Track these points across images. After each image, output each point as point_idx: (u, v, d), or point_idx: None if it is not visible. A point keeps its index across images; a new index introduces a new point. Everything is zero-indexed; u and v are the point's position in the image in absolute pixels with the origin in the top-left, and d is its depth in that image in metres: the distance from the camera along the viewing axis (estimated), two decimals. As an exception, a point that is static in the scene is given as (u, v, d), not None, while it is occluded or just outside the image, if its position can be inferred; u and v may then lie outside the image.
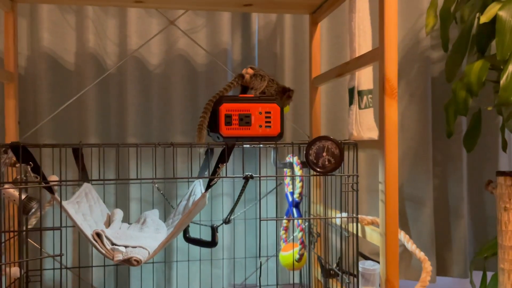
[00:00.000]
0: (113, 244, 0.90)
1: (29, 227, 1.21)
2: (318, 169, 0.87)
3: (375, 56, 0.91)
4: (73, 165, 1.34)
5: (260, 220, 0.85)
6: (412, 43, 1.57)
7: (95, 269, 1.34)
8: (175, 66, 1.45)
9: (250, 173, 0.89)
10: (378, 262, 1.29)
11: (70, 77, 1.41)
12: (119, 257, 0.86)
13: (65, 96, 1.39)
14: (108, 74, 1.41)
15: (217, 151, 1.06)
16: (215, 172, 0.89)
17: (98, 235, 0.89)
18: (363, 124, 1.06)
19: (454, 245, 1.58)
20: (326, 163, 0.88)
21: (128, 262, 0.86)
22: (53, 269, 1.24)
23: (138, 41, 1.42)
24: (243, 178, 0.90)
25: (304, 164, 0.93)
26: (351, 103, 1.10)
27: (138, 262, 0.86)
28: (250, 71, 1.06)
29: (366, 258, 1.27)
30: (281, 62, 1.50)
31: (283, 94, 1.10)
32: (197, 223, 1.15)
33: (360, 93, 1.07)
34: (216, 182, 0.91)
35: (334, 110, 1.52)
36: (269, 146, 0.90)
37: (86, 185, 1.12)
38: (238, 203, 0.99)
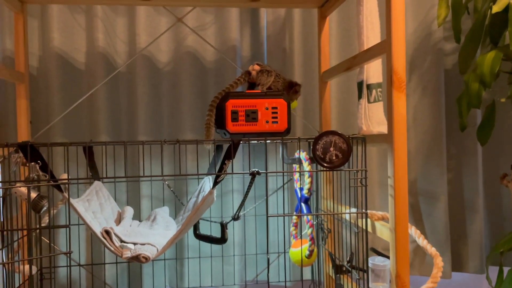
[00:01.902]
0: (122, 241, 0.91)
1: (42, 225, 1.23)
2: (326, 164, 0.86)
3: (383, 48, 0.89)
4: (85, 163, 1.36)
5: (267, 217, 0.84)
6: (424, 35, 1.54)
7: (108, 266, 1.35)
8: (184, 63, 1.45)
9: (256, 169, 0.89)
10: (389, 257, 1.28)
11: (81, 76, 1.42)
12: (127, 254, 0.86)
13: (76, 95, 1.41)
14: (118, 72, 1.41)
15: (226, 147, 1.06)
16: (221, 169, 0.89)
17: (107, 232, 0.90)
18: (372, 118, 1.05)
19: (470, 240, 1.55)
20: (334, 158, 0.87)
21: (137, 259, 0.86)
22: (67, 266, 1.26)
23: (147, 39, 1.42)
24: (249, 175, 0.90)
25: (313, 160, 0.92)
26: (360, 97, 1.08)
27: (146, 259, 0.87)
28: (257, 67, 1.05)
29: (379, 253, 1.26)
30: (290, 57, 1.49)
31: (290, 89, 1.09)
32: (207, 220, 1.15)
33: (369, 86, 1.05)
34: (223, 179, 0.91)
35: (345, 104, 1.51)
36: (276, 142, 0.90)
37: (96, 183, 1.13)
38: (247, 199, 0.98)
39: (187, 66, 1.45)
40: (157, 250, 0.91)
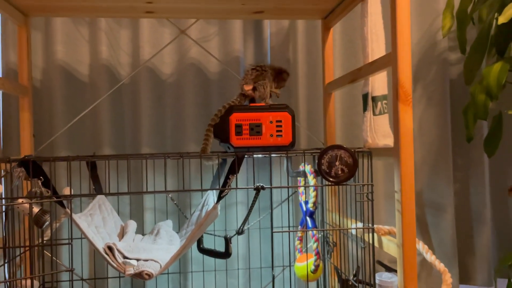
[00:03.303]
0: (124, 257, 0.90)
1: (45, 238, 1.22)
2: (331, 179, 0.85)
3: (388, 61, 0.88)
4: (88, 176, 1.35)
5: (272, 232, 0.83)
6: (428, 45, 1.53)
7: (111, 280, 1.34)
8: (187, 75, 1.45)
9: (261, 184, 0.88)
10: (396, 271, 1.26)
11: (85, 88, 1.42)
12: (130, 271, 0.85)
13: (80, 107, 1.40)
14: (122, 84, 1.41)
15: (230, 160, 1.05)
16: (225, 183, 0.88)
17: (110, 248, 0.89)
18: (378, 131, 1.03)
19: (478, 252, 1.53)
20: (339, 172, 0.86)
21: (140, 276, 0.85)
22: (70, 280, 1.24)
23: (150, 51, 1.42)
24: (254, 189, 0.88)
25: (318, 173, 0.91)
26: (365, 109, 1.07)
27: (150, 276, 0.85)
28: (249, 86, 1.04)
29: (385, 266, 1.24)
30: (294, 68, 1.48)
31: (278, 75, 1.08)
32: (211, 234, 1.13)
33: (374, 99, 1.04)
34: (227, 193, 0.90)
35: (349, 115, 1.50)
36: (281, 156, 0.88)
37: (99, 197, 1.12)
38: (251, 213, 0.97)
39: (190, 77, 1.45)
40: (160, 266, 0.89)
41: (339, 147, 0.86)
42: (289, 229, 0.87)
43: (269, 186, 0.86)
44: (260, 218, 1.32)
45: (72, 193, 1.25)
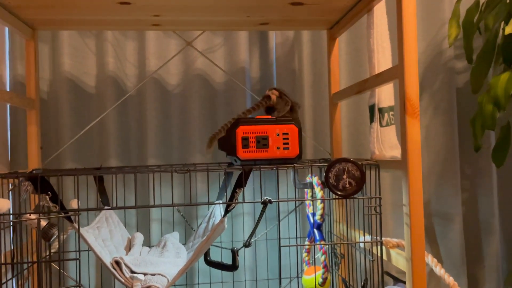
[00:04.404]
0: (132, 271, 0.89)
1: (52, 251, 1.22)
2: (339, 192, 0.85)
3: (395, 74, 0.88)
4: (95, 187, 1.35)
5: (280, 246, 0.83)
6: (434, 53, 1.53)
7: (118, 292, 1.34)
8: (193, 85, 1.45)
9: (268, 198, 0.87)
10: (405, 283, 1.25)
11: (91, 100, 1.43)
12: (138, 286, 0.85)
13: (87, 119, 1.41)
14: (128, 96, 1.41)
15: (236, 172, 1.05)
16: (233, 197, 0.88)
17: (117, 263, 0.88)
18: (385, 142, 1.03)
19: (486, 262, 1.52)
20: (347, 185, 0.85)
21: (147, 291, 0.85)
22: (76, 293, 1.24)
23: (157, 62, 1.43)
24: (261, 203, 0.88)
25: (325, 185, 0.91)
26: (371, 120, 1.07)
27: (157, 290, 0.85)
28: (276, 92, 1.05)
29: (393, 277, 1.23)
30: (300, 78, 1.48)
31: (294, 112, 1.09)
32: (218, 246, 1.13)
33: (380, 110, 1.04)
34: (234, 207, 0.89)
35: (356, 125, 1.49)
36: (287, 168, 0.88)
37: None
38: (259, 225, 0.97)
39: (196, 88, 1.45)
40: (168, 280, 0.89)
41: (347, 160, 0.86)
42: (296, 243, 0.87)
43: (276, 200, 0.86)
44: (267, 230, 1.32)
45: (79, 205, 1.26)
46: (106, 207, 1.09)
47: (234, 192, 0.87)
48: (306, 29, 1.38)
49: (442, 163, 1.51)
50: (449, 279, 0.89)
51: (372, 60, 1.05)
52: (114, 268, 0.87)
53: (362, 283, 1.08)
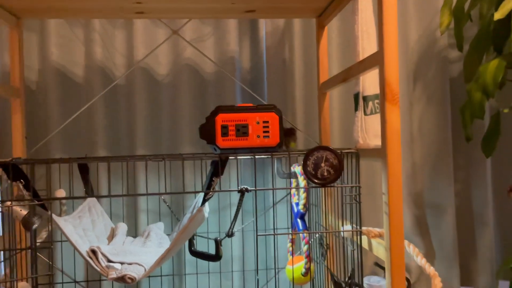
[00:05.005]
0: (109, 261, 0.89)
1: (39, 240, 1.22)
2: (316, 181, 0.83)
3: (376, 60, 0.86)
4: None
5: (257, 236, 0.82)
6: (428, 42, 1.50)
7: (105, 282, 1.33)
8: (183, 75, 1.44)
9: (245, 186, 0.86)
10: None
11: (80, 90, 1.42)
12: (112, 274, 0.84)
13: (75, 109, 1.39)
14: (117, 86, 1.40)
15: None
16: (209, 186, 0.86)
17: (94, 251, 0.88)
18: (369, 131, 1.01)
19: (479, 254, 1.50)
20: (325, 174, 0.84)
21: (122, 279, 0.84)
22: (62, 283, 1.24)
23: (145, 52, 1.41)
24: (238, 192, 0.87)
25: (307, 174, 0.89)
26: (356, 109, 1.05)
27: (132, 280, 0.84)
28: None
29: (383, 268, 1.22)
30: (291, 68, 1.46)
31: (290, 136, 1.08)
32: (203, 236, 1.12)
33: (365, 98, 1.02)
34: (212, 196, 0.88)
35: (347, 116, 1.47)
36: (266, 157, 0.87)
37: (90, 199, 1.11)
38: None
39: (186, 78, 1.44)
40: (145, 269, 0.88)
41: (325, 148, 0.84)
42: (274, 232, 0.85)
43: (253, 189, 0.84)
44: (247, 222, 1.31)
45: (65, 195, 1.26)
46: (86, 196, 1.09)
47: (210, 181, 0.86)
48: (294, 17, 1.36)
49: (435, 153, 1.49)
50: (430, 269, 0.88)
51: (356, 47, 1.03)
52: (90, 257, 0.87)
53: (349, 274, 1.07)
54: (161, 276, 1.30)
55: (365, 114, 1.02)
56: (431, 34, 1.49)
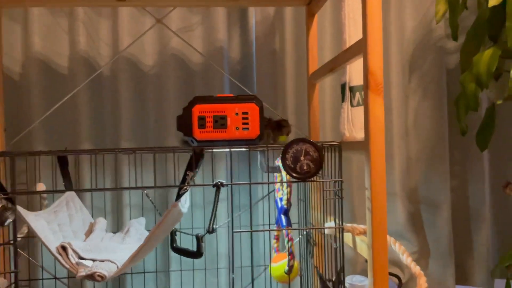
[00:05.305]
0: (80, 257, 0.85)
1: (21, 236, 1.18)
2: (295, 175, 0.79)
3: (359, 48, 0.81)
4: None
5: (233, 233, 0.78)
6: (424, 32, 1.45)
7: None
8: (170, 66, 1.39)
9: (220, 181, 0.82)
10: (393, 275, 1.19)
11: (64, 81, 1.38)
12: (82, 272, 0.80)
13: (59, 100, 1.35)
14: (102, 77, 1.37)
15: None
16: (184, 180, 0.82)
17: (64, 248, 0.84)
18: (355, 124, 0.96)
19: (475, 251, 1.45)
20: (305, 167, 0.79)
21: (91, 277, 0.80)
22: (42, 279, 1.21)
23: (131, 41, 1.37)
24: (213, 186, 0.83)
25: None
26: (343, 100, 1.00)
27: (102, 277, 0.81)
28: None
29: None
30: (282, 59, 1.42)
31: (280, 129, 1.04)
32: (183, 232, 1.08)
33: (352, 89, 0.97)
34: (187, 190, 0.84)
35: (339, 109, 1.42)
36: (243, 150, 0.83)
37: (69, 193, 1.08)
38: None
39: (173, 69, 1.40)
40: (117, 267, 0.85)
41: (305, 140, 0.80)
42: (251, 229, 0.81)
43: (230, 183, 0.80)
44: (228, 219, 1.26)
45: (45, 189, 1.22)
46: (69, 190, 1.05)
47: (185, 175, 0.82)
48: (283, 4, 1.31)
49: (431, 147, 1.44)
50: (415, 268, 0.83)
51: (343, 35, 0.99)
52: (60, 253, 0.83)
53: (337, 271, 1.03)
54: (144, 272, 1.26)
55: (352, 105, 0.97)
56: (428, 24, 1.44)
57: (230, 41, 1.43)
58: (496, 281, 1.42)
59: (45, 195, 1.19)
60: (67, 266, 0.83)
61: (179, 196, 0.84)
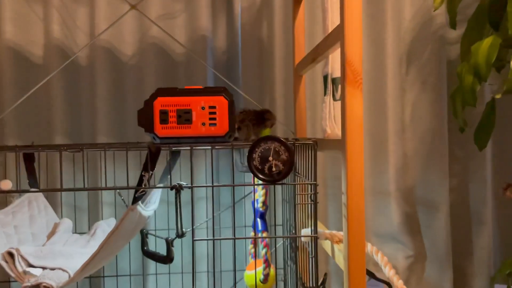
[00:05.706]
0: (29, 265, 0.77)
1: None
2: (262, 176, 0.70)
3: (337, 35, 0.72)
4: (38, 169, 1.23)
5: (193, 241, 0.70)
6: (423, 20, 1.35)
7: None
8: (150, 56, 1.31)
9: (179, 183, 0.74)
10: (381, 281, 1.10)
11: (38, 71, 1.30)
12: (27, 282, 0.73)
13: (33, 92, 1.28)
14: (78, 67, 1.29)
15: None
16: (141, 182, 0.74)
17: (11, 254, 0.77)
18: (338, 119, 0.87)
19: (476, 256, 1.36)
20: (274, 169, 0.71)
21: (37, 288, 0.73)
22: (9, 281, 1.14)
23: (110, 30, 1.29)
24: (170, 189, 0.75)
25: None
26: (325, 93, 0.91)
27: (49, 288, 0.73)
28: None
29: (376, 278, 1.08)
30: (269, 48, 1.33)
31: (263, 122, 0.95)
32: (152, 234, 1.01)
33: (334, 81, 0.88)
34: (145, 193, 0.76)
35: (331, 102, 1.33)
36: (205, 149, 0.74)
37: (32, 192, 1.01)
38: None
39: (153, 59, 1.31)
40: (69, 276, 0.77)
41: (274, 138, 0.71)
42: (213, 237, 0.73)
43: (190, 186, 0.72)
44: (207, 219, 1.18)
45: (11, 186, 1.14)
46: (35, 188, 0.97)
47: (141, 176, 0.74)
48: (267, -11, 1.22)
49: (429, 144, 1.34)
50: (398, 283, 0.75)
51: (326, 21, 0.89)
52: (6, 260, 0.76)
53: (321, 280, 0.94)
54: (116, 276, 1.18)
55: (334, 99, 0.88)
56: (427, 12, 1.34)
57: (215, 30, 1.34)
58: (496, 287, 1.33)
59: (13, 195, 1.12)
60: (13, 275, 0.76)
61: (135, 199, 0.76)
